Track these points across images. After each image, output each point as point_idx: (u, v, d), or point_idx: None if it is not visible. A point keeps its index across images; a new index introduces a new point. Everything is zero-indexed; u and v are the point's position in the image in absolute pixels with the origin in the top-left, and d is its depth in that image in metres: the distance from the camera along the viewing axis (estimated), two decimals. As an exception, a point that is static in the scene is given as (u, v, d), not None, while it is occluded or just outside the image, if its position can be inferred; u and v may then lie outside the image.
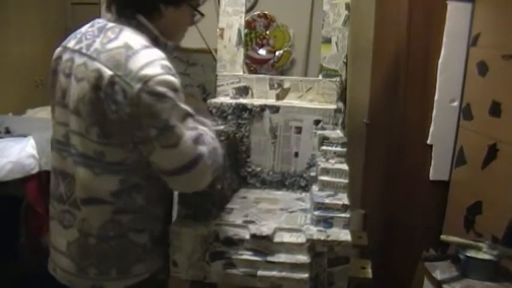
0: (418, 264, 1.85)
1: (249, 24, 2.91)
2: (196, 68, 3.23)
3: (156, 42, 1.16)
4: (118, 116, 1.06)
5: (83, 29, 1.21)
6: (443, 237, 1.60)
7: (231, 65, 1.71)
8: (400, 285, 2.02)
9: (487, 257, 1.50)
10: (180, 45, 1.29)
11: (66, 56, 1.19)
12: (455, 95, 1.98)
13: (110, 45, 1.10)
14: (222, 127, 1.51)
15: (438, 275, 1.57)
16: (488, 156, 1.72)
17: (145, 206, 1.19)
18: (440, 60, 1.96)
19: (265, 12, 2.99)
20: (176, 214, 1.30)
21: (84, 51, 1.13)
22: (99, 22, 1.19)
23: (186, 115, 1.10)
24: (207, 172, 1.14)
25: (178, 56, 3.22)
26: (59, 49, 1.24)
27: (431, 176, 2.04)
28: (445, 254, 1.77)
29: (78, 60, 1.14)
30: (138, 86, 1.03)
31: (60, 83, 1.19)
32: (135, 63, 1.05)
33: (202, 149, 1.11)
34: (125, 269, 1.19)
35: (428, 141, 2.02)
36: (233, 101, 1.60)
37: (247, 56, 2.85)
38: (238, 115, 1.58)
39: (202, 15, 1.28)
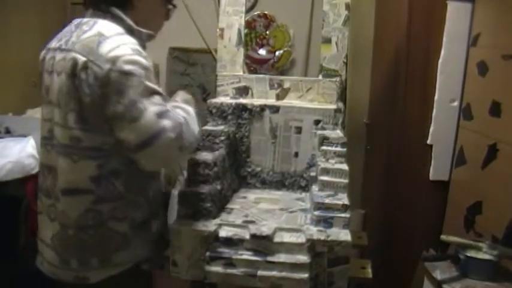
0: (418, 264, 1.85)
1: (249, 24, 2.91)
2: (196, 68, 3.23)
3: (131, 32, 1.22)
4: (91, 99, 1.13)
5: (64, 29, 1.29)
6: (443, 237, 1.60)
7: (231, 65, 1.71)
8: (400, 285, 2.02)
9: (487, 257, 1.50)
10: (155, 34, 1.33)
11: (48, 56, 1.26)
12: (455, 95, 1.98)
13: (84, 36, 1.17)
14: (222, 127, 1.51)
15: (438, 275, 1.57)
16: (488, 156, 1.72)
17: (124, 192, 1.22)
18: (440, 60, 1.96)
19: (265, 12, 2.99)
20: (176, 214, 1.30)
21: (63, 47, 1.21)
22: (76, 20, 1.27)
23: (153, 92, 1.14)
24: (171, 146, 1.14)
25: (178, 56, 3.22)
26: (42, 52, 1.31)
27: (431, 176, 2.04)
28: (445, 254, 1.77)
29: (58, 56, 1.21)
30: (107, 66, 1.10)
31: (44, 81, 1.26)
32: (106, 47, 1.12)
33: (166, 122, 1.12)
34: (105, 258, 1.22)
35: (428, 141, 2.02)
36: (233, 101, 1.60)
37: (247, 56, 2.85)
38: (238, 115, 1.58)
39: (174, 6, 1.36)
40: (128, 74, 1.10)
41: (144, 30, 1.26)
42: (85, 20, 1.24)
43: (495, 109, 1.70)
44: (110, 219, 1.21)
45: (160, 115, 1.12)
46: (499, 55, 1.68)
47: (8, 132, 2.51)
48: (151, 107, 1.11)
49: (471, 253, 1.53)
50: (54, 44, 1.27)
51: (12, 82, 3.39)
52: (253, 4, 3.02)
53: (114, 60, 1.10)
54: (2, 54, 3.33)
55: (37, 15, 3.69)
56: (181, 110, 1.25)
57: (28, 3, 3.55)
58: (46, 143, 1.27)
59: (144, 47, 1.23)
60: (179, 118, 1.17)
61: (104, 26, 1.19)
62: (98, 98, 1.12)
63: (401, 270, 2.03)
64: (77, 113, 1.16)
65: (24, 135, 2.43)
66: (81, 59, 1.13)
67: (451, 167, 2.01)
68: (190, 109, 1.29)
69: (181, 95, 1.38)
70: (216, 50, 1.76)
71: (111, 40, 1.14)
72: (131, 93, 1.10)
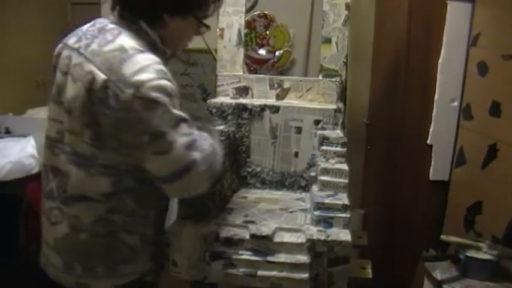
0: (418, 264, 1.85)
1: (249, 24, 2.91)
2: (196, 68, 3.23)
3: (154, 48, 1.15)
4: (110, 121, 1.06)
5: (84, 27, 1.20)
6: (443, 237, 1.60)
7: (231, 65, 1.71)
8: (400, 285, 2.02)
9: (487, 257, 1.50)
10: (178, 53, 1.27)
11: (65, 53, 1.18)
12: (455, 95, 1.98)
13: (106, 48, 1.09)
14: (222, 127, 1.51)
15: (438, 275, 1.57)
16: (488, 156, 1.72)
17: (136, 208, 1.18)
18: (440, 60, 1.96)
19: (265, 12, 2.98)
20: (176, 214, 1.30)
21: (82, 50, 1.13)
22: (100, 22, 1.18)
23: (180, 121, 1.08)
24: (202, 178, 1.13)
25: (178, 56, 3.22)
26: (59, 45, 1.23)
27: (431, 176, 2.04)
28: (445, 254, 1.77)
29: (76, 59, 1.13)
30: (130, 91, 1.02)
31: (57, 80, 1.19)
32: (129, 68, 1.04)
33: (196, 155, 1.09)
34: (111, 268, 1.19)
35: (428, 141, 2.02)
36: (233, 101, 1.60)
37: (247, 56, 2.85)
38: (238, 115, 1.58)
39: (207, 27, 1.27)
40: (152, 101, 1.03)
41: (168, 50, 1.19)
42: (110, 26, 1.15)
43: (495, 109, 1.70)
44: (121, 231, 1.17)
45: (189, 147, 1.08)
46: (499, 55, 1.68)
47: (8, 132, 2.52)
48: (179, 139, 1.07)
49: (471, 253, 1.53)
50: (72, 41, 1.19)
51: (12, 82, 3.39)
52: (253, 4, 3.01)
53: (138, 86, 1.02)
54: (2, 54, 3.33)
55: (37, 15, 3.69)
56: (208, 133, 1.22)
57: (28, 3, 3.55)
58: (53, 144, 1.20)
59: (166, 63, 1.15)
60: (207, 147, 1.14)
61: (128, 40, 1.10)
62: (117, 121, 1.05)
63: (401, 270, 2.03)
64: (93, 130, 1.10)
65: (24, 135, 2.44)
66: (101, 76, 1.05)
67: (451, 167, 2.01)
68: (210, 126, 1.29)
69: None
70: (216, 50, 1.76)
71: (134, 60, 1.06)
72: (157, 124, 1.04)
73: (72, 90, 1.12)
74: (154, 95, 1.03)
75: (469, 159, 1.88)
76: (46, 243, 1.26)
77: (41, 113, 3.08)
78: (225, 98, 1.66)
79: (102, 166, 1.12)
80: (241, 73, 1.71)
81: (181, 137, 1.07)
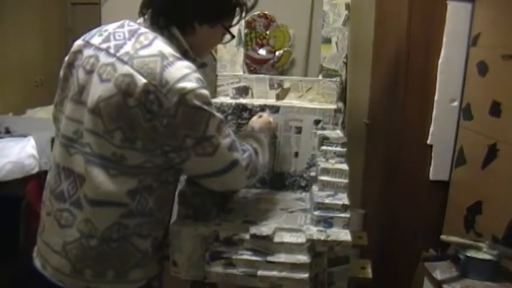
0: (418, 264, 1.85)
1: (249, 24, 2.91)
2: (196, 68, 3.23)
3: (185, 56, 1.16)
4: (152, 125, 1.07)
5: (109, 27, 1.19)
6: (443, 237, 1.60)
7: (231, 65, 1.71)
8: (400, 285, 2.02)
9: (487, 257, 1.50)
10: (206, 64, 1.29)
11: (88, 52, 1.16)
12: (455, 95, 1.98)
13: (143, 52, 1.10)
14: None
15: (438, 275, 1.57)
16: (488, 156, 1.72)
17: (154, 209, 1.19)
18: (440, 60, 1.96)
19: (265, 12, 2.99)
20: (176, 214, 1.30)
21: (112, 51, 1.12)
22: (130, 25, 1.18)
23: (220, 123, 1.13)
24: (241, 176, 1.20)
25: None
26: (79, 43, 1.21)
27: (431, 176, 2.04)
28: (445, 254, 1.77)
29: (105, 59, 1.12)
30: (175, 98, 1.05)
31: (78, 78, 1.16)
32: (172, 75, 1.06)
33: (236, 155, 1.16)
34: (122, 273, 1.17)
35: (428, 141, 2.02)
36: (233, 101, 1.60)
37: (247, 56, 2.85)
38: (238, 115, 1.58)
39: (233, 36, 1.30)
40: (197, 108, 1.08)
41: (198, 59, 1.21)
42: (142, 30, 1.15)
43: (495, 109, 1.70)
44: (133, 235, 1.17)
45: (231, 147, 1.15)
46: (499, 55, 1.68)
47: (8, 132, 2.52)
48: (223, 141, 1.13)
49: (471, 253, 1.53)
50: (97, 40, 1.17)
51: (12, 82, 3.39)
52: (253, 4, 3.01)
53: (182, 93, 1.05)
54: (2, 54, 3.33)
55: (37, 15, 3.69)
56: (254, 140, 1.29)
57: (28, 3, 3.55)
58: (68, 144, 1.17)
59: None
60: (247, 148, 1.22)
61: (165, 46, 1.11)
62: (161, 126, 1.07)
63: (401, 270, 2.03)
64: (124, 132, 1.09)
65: (24, 135, 2.44)
66: (142, 80, 1.06)
67: (451, 167, 2.01)
68: (263, 138, 1.34)
69: (259, 122, 1.43)
70: (216, 50, 1.76)
71: (175, 66, 1.08)
72: (203, 128, 1.09)
73: (99, 91, 1.10)
74: (198, 102, 1.07)
75: (469, 159, 1.88)
76: (47, 244, 1.21)
77: (40, 113, 3.09)
78: (225, 98, 1.66)
79: (129, 167, 1.12)
80: (241, 73, 1.71)
81: (224, 138, 1.13)
